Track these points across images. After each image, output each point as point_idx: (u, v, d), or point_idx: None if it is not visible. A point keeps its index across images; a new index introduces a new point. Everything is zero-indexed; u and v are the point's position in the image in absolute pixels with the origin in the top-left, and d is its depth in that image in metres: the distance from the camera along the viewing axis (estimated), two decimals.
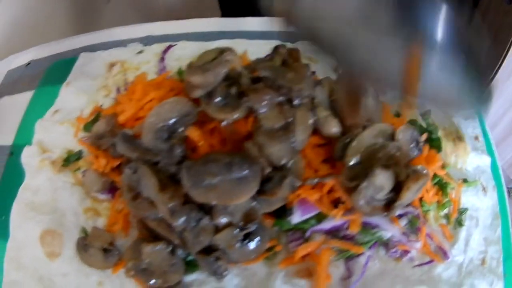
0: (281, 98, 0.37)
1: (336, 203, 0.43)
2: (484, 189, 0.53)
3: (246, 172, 0.40)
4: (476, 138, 0.58)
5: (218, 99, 0.42)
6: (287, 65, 0.46)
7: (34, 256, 0.46)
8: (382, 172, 0.40)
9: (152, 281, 0.41)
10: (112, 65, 0.59)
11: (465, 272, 0.47)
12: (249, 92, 0.39)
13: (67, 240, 0.47)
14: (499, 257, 0.48)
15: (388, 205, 0.43)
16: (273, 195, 0.39)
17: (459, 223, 0.49)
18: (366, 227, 0.44)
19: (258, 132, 0.39)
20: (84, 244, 0.45)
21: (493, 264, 0.48)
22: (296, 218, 0.42)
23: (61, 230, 0.47)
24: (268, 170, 0.40)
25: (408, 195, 0.42)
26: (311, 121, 0.41)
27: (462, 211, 0.50)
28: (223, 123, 0.41)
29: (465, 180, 0.52)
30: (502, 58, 0.83)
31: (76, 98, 0.57)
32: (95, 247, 0.45)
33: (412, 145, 0.46)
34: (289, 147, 0.40)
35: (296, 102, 0.39)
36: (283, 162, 0.39)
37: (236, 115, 0.40)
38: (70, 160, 0.51)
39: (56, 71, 0.62)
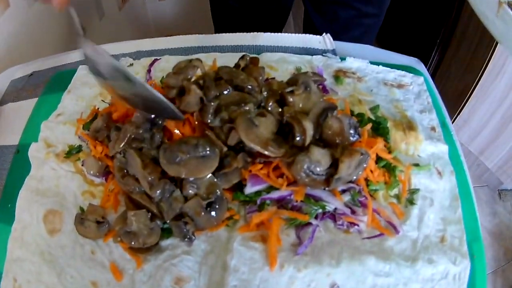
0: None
1: (281, 178, 0.66)
2: (439, 173, 0.73)
3: (208, 151, 0.66)
4: (433, 128, 0.80)
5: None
6: (248, 68, 0.75)
7: (37, 233, 0.67)
8: (316, 148, 0.63)
9: (133, 242, 0.66)
10: None
11: (421, 247, 0.63)
12: (212, 87, 0.67)
13: (66, 218, 0.69)
14: (461, 237, 0.65)
15: (328, 180, 0.69)
16: (230, 167, 0.62)
17: (410, 202, 0.69)
18: (310, 199, 0.66)
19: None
20: (81, 218, 0.68)
21: (455, 242, 0.64)
22: (248, 189, 0.65)
23: (62, 210, 0.70)
24: (225, 149, 0.66)
25: (345, 169, 0.64)
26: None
27: (413, 191, 0.70)
28: (195, 113, 0.70)
29: (416, 164, 0.73)
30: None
31: (76, 104, 0.85)
32: (90, 220, 0.67)
33: (351, 131, 0.71)
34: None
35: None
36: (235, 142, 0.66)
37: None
38: (71, 152, 0.76)
39: (58, 81, 0.91)
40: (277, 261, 0.63)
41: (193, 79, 0.71)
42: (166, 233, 0.68)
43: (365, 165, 0.68)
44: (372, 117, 0.78)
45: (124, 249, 0.67)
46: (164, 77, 0.75)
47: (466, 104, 1.22)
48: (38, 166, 0.78)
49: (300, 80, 0.69)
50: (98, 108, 0.82)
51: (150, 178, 0.66)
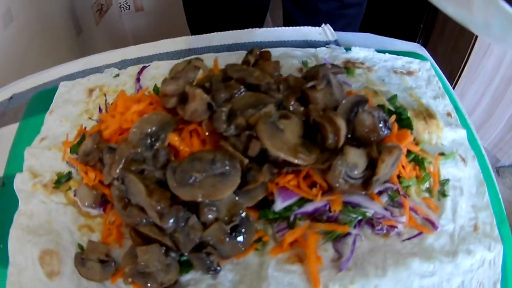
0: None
1: (313, 187, 0.49)
2: (463, 160, 0.60)
3: (227, 167, 0.47)
4: (449, 114, 0.66)
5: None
6: (259, 65, 0.56)
7: (35, 277, 0.51)
8: (352, 149, 0.47)
9: (149, 284, 0.48)
10: (91, 90, 0.68)
11: (458, 239, 0.53)
12: (222, 90, 0.48)
13: (65, 258, 0.52)
14: (492, 222, 0.55)
15: (366, 182, 0.51)
16: (255, 182, 0.45)
17: (443, 194, 0.56)
18: (348, 206, 0.50)
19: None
20: (81, 259, 0.50)
21: (486, 229, 0.54)
22: (278, 205, 0.48)
23: (58, 249, 0.53)
24: (246, 162, 0.47)
25: (384, 169, 0.49)
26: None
27: (444, 183, 0.57)
28: (203, 123, 0.50)
29: (442, 154, 0.59)
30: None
31: (60, 125, 0.65)
32: (92, 260, 0.50)
33: (381, 125, 0.54)
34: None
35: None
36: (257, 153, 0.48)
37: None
38: (60, 181, 0.57)
39: (38, 102, 0.70)
40: (320, 282, 0.48)
41: (195, 83, 0.51)
42: (186, 266, 0.51)
43: (397, 163, 0.51)
44: (392, 108, 0.61)
45: None
46: (158, 85, 0.54)
47: (456, 86, 1.08)
48: (26, 200, 0.58)
49: (321, 73, 0.50)
50: (85, 128, 0.62)
51: (158, 207, 0.47)
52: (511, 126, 1.11)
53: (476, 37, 0.97)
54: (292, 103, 0.49)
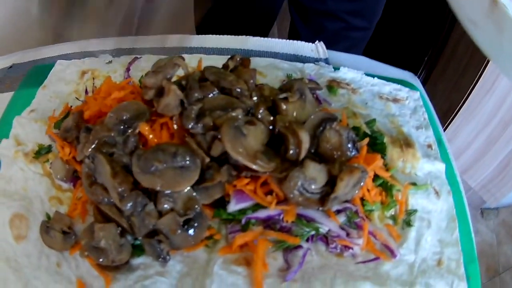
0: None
1: (269, 195, 0.51)
2: (437, 193, 0.61)
3: (188, 161, 0.50)
4: (429, 146, 0.67)
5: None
6: (237, 70, 0.58)
7: (3, 238, 0.54)
8: (312, 163, 0.49)
9: (101, 259, 0.50)
10: (84, 72, 0.72)
11: (418, 271, 0.53)
12: (196, 89, 0.51)
13: (32, 225, 0.55)
14: (458, 259, 0.55)
15: (323, 198, 0.53)
16: (213, 181, 0.48)
17: (407, 223, 0.57)
18: (302, 219, 0.52)
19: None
20: (46, 227, 0.53)
21: (452, 265, 0.54)
22: (232, 206, 0.51)
23: (28, 215, 0.56)
24: (207, 160, 0.50)
25: (343, 188, 0.50)
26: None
27: (410, 213, 0.58)
28: (174, 118, 0.53)
29: (414, 184, 0.60)
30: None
31: (50, 100, 0.69)
32: (56, 230, 0.53)
33: (349, 145, 0.55)
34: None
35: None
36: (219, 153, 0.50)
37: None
38: (40, 152, 0.61)
39: (34, 75, 0.74)
40: None
41: (174, 79, 0.54)
42: (138, 250, 0.53)
43: (362, 184, 0.52)
44: (368, 131, 0.62)
45: (91, 265, 0.53)
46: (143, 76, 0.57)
47: (451, 124, 1.09)
48: (7, 165, 0.62)
49: (295, 86, 0.53)
50: (71, 106, 0.65)
51: (120, 189, 0.50)
52: (502, 168, 1.11)
53: (479, 77, 0.97)
54: (261, 111, 0.51)
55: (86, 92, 0.67)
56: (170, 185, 0.49)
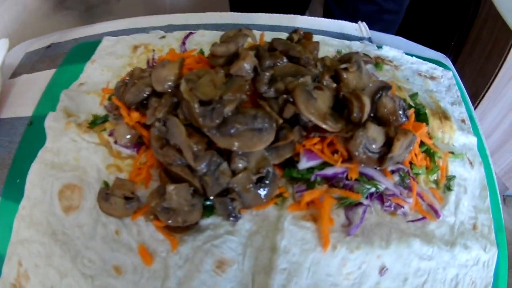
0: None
1: (335, 154, 0.56)
2: (471, 163, 0.67)
3: (266, 124, 0.53)
4: (463, 121, 0.74)
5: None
6: (301, 43, 0.64)
7: (49, 211, 0.54)
8: (373, 125, 0.54)
9: (171, 220, 0.51)
10: (136, 47, 0.74)
11: (458, 232, 0.58)
12: (267, 57, 0.55)
13: (87, 194, 0.56)
14: (490, 225, 0.60)
15: (382, 158, 0.58)
16: (286, 140, 0.52)
17: (448, 188, 0.62)
18: (363, 177, 0.56)
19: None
20: (106, 194, 0.54)
21: (485, 230, 0.60)
22: (302, 164, 0.55)
23: (82, 184, 0.57)
24: (280, 121, 0.54)
25: (398, 148, 0.55)
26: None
27: (450, 178, 0.63)
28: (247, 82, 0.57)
29: (452, 153, 0.66)
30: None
31: (101, 74, 0.71)
32: (116, 196, 0.53)
33: (400, 112, 0.62)
34: None
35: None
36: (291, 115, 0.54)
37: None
38: (96, 122, 0.62)
39: (79, 52, 0.77)
40: (330, 241, 0.53)
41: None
42: (207, 211, 0.56)
43: (411, 148, 0.58)
44: (412, 103, 0.69)
45: (157, 228, 0.54)
46: (203, 50, 0.61)
47: (478, 107, 1.13)
48: (55, 137, 0.63)
49: (353, 58, 0.59)
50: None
51: (196, 148, 0.52)
52: None
53: (503, 62, 1.03)
54: (327, 78, 0.57)
55: (148, 63, 0.69)
56: (248, 146, 0.53)
